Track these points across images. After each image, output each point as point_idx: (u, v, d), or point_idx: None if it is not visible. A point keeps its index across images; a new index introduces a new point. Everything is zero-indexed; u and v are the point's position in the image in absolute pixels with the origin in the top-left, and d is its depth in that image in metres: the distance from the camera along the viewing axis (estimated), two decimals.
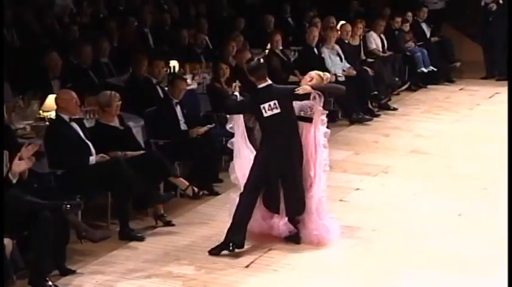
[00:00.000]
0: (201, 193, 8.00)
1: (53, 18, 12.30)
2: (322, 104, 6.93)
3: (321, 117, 6.98)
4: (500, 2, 14.16)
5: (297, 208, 6.94)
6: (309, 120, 6.95)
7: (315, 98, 6.88)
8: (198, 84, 10.27)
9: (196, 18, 13.50)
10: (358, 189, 8.56)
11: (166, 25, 12.89)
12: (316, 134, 6.96)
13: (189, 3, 14.43)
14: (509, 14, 13.34)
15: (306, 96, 6.86)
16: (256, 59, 7.18)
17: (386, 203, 8.10)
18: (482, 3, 14.48)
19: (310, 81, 7.02)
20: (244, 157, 6.98)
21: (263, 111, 6.79)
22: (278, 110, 6.78)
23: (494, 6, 14.22)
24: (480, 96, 13.27)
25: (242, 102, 7.06)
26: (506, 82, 12.51)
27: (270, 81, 6.91)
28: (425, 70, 13.67)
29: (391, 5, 14.81)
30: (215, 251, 6.76)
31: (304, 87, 6.86)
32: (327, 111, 7.12)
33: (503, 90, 12.63)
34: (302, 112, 6.96)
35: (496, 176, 8.62)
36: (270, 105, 6.77)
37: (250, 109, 6.95)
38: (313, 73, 7.13)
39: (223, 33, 12.34)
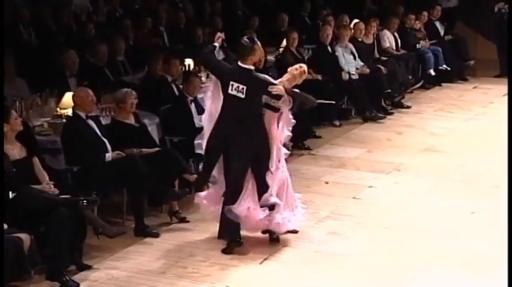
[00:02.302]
0: None
1: (70, 17, 12.40)
2: (290, 108, 6.88)
3: (287, 119, 6.90)
4: None
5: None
6: (274, 109, 6.87)
7: (284, 101, 6.81)
8: None
9: (211, 16, 13.56)
10: (371, 187, 8.61)
11: (181, 24, 12.95)
12: (280, 133, 6.88)
13: (204, 1, 14.47)
14: (509, 14, 13.33)
15: (277, 96, 6.79)
16: (246, 38, 6.90)
17: (399, 201, 8.14)
18: (496, 9, 14.46)
19: (287, 79, 6.94)
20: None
21: (230, 87, 6.72)
22: (242, 96, 6.71)
23: (507, 9, 14.19)
24: (494, 95, 13.22)
25: (221, 64, 6.93)
26: None
27: (252, 67, 6.81)
28: (433, 73, 13.64)
29: (405, 3, 14.81)
30: (228, 251, 6.81)
31: (279, 89, 6.74)
32: (293, 119, 6.97)
33: None
34: (268, 99, 6.85)
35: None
36: (238, 87, 6.69)
37: (221, 76, 6.82)
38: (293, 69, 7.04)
39: (238, 31, 12.38)
